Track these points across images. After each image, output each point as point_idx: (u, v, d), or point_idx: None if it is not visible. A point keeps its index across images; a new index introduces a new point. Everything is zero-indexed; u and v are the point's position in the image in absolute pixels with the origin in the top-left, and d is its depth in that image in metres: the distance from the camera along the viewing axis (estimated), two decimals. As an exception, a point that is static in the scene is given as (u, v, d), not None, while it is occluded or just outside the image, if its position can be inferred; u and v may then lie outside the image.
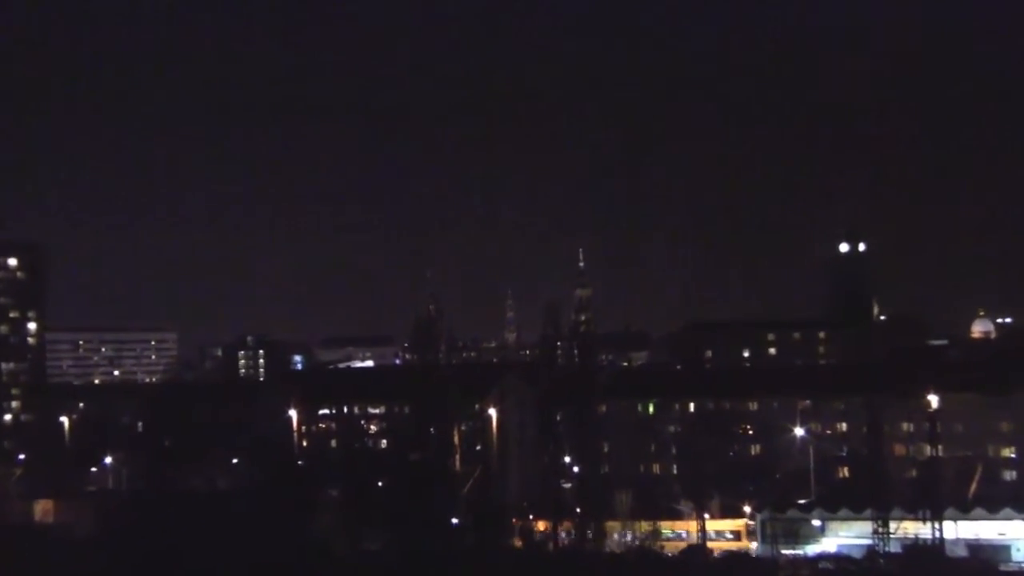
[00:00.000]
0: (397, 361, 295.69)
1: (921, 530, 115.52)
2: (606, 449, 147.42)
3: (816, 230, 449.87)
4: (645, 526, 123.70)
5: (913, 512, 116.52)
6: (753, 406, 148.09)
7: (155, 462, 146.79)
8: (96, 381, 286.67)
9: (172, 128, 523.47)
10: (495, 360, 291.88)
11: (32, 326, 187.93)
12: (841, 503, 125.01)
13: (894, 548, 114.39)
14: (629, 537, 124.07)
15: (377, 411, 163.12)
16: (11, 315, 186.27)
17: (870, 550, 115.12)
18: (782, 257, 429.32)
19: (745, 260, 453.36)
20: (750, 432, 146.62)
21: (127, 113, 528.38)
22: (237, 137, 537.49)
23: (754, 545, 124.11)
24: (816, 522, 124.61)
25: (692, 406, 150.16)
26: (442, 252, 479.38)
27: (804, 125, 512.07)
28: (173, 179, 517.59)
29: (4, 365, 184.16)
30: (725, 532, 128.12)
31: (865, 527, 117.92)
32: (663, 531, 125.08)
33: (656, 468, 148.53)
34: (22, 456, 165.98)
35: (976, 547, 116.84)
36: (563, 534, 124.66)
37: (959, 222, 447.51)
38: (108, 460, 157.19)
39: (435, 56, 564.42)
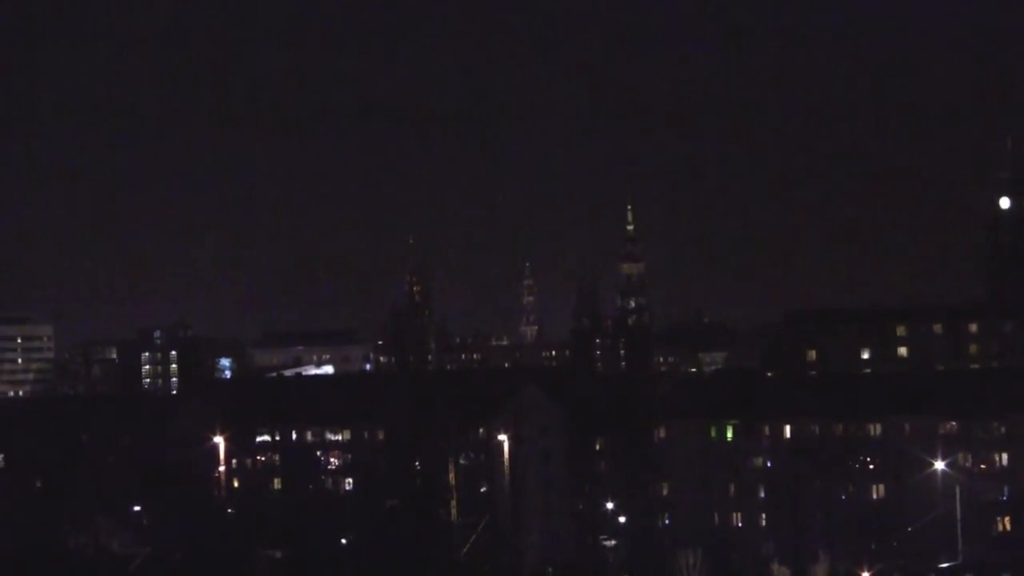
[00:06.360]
0: (367, 367, 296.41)
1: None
2: (666, 492, 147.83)
3: (966, 182, 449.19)
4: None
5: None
6: (875, 430, 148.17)
7: (21, 512, 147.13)
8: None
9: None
10: (507, 364, 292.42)
11: None
12: (1002, 568, 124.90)
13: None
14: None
15: (338, 438, 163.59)
16: None
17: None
18: (916, 221, 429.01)
19: (865, 224, 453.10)
20: (871, 467, 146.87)
21: None
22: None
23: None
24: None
25: (788, 430, 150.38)
26: (431, 211, 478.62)
27: (950, 34, 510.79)
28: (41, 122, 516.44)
29: None
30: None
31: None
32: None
33: (737, 519, 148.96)
34: None
35: None
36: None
37: None
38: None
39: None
